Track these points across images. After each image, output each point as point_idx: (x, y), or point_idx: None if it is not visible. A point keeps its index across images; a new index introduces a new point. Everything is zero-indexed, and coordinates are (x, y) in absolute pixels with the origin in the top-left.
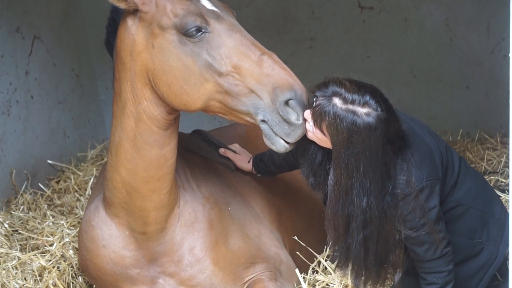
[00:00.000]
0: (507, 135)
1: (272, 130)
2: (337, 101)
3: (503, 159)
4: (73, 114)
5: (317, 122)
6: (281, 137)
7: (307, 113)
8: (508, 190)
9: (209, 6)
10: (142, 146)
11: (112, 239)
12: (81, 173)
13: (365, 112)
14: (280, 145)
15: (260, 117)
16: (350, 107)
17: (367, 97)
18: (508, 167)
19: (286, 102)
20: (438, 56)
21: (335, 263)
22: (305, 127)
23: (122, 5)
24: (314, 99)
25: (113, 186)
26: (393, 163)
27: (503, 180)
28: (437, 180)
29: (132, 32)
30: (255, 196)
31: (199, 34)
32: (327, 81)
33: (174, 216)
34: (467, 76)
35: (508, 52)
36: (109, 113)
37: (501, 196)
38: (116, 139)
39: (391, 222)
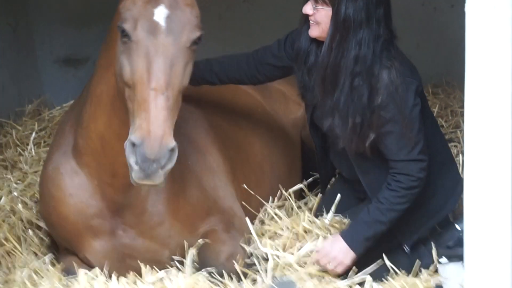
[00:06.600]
0: (438, 86)
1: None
2: None
3: (436, 109)
4: (10, 69)
5: None
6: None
7: (307, 7)
8: None
9: (157, 16)
10: (119, 107)
11: (80, 188)
12: (20, 128)
13: None
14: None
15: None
16: None
17: None
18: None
19: (133, 144)
20: None
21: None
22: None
23: None
24: None
25: (88, 135)
26: (383, 23)
27: None
28: (415, 81)
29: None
30: (211, 149)
31: (124, 38)
32: None
33: None
34: (398, 28)
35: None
36: (45, 69)
37: None
38: (98, 91)
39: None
